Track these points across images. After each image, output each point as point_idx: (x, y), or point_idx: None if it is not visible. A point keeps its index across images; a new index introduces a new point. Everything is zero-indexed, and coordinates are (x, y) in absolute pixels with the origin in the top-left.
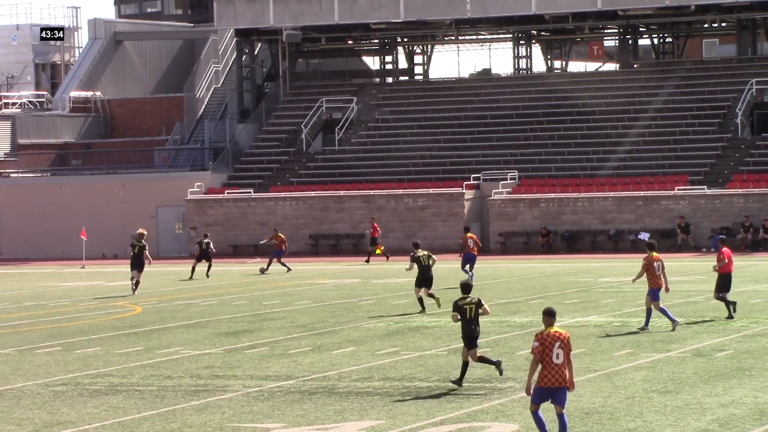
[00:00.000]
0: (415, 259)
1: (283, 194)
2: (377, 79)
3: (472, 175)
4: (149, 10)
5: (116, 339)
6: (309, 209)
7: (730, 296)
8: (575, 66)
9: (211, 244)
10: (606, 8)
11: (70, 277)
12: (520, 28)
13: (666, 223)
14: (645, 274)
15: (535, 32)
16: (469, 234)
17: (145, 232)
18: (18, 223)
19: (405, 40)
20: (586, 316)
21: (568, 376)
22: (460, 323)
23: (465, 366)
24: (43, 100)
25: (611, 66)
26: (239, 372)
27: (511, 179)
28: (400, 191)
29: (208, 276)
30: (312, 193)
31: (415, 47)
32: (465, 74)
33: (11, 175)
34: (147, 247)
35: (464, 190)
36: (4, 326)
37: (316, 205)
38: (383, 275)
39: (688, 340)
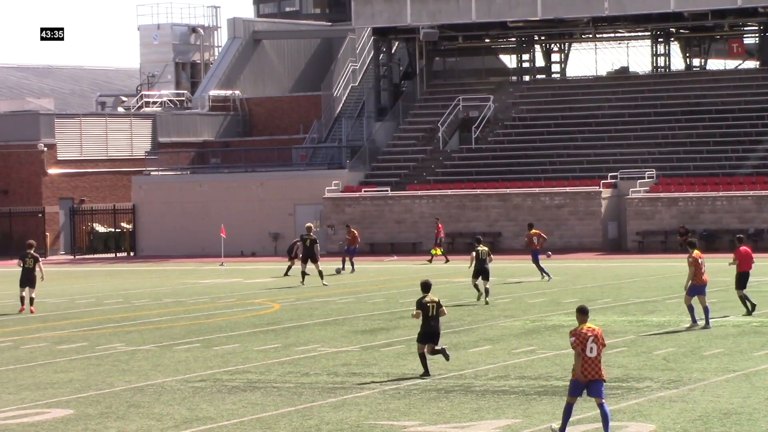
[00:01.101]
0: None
1: (419, 192)
2: (514, 78)
3: (610, 174)
4: (287, 9)
5: (254, 336)
6: (445, 207)
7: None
8: (714, 64)
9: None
10: (746, 5)
11: (209, 274)
12: (659, 26)
13: None
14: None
15: (673, 30)
16: (533, 231)
17: (313, 226)
18: (158, 221)
19: (542, 38)
20: (725, 315)
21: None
22: (420, 319)
23: (423, 357)
24: (183, 98)
25: (751, 64)
26: (376, 369)
27: (648, 178)
28: (537, 190)
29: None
30: (448, 192)
31: (552, 45)
32: (602, 72)
33: (152, 173)
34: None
35: (601, 189)
36: (144, 323)
37: (452, 204)
38: (519, 274)
39: None
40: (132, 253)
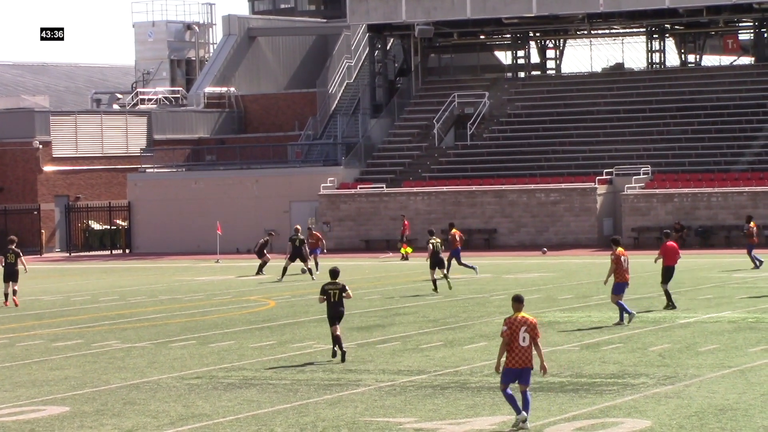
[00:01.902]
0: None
1: (415, 189)
2: (509, 74)
3: (605, 170)
4: (282, 6)
5: (250, 333)
6: (441, 204)
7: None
8: (709, 60)
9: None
10: (741, 1)
11: (205, 272)
12: (654, 22)
13: None
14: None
15: (668, 26)
16: (454, 230)
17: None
18: (153, 218)
19: (537, 34)
20: (720, 311)
21: (540, 361)
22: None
23: (335, 339)
24: (178, 95)
25: (746, 60)
26: (371, 366)
27: (644, 174)
28: (532, 186)
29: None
30: (444, 188)
31: (547, 42)
32: (597, 69)
33: (147, 170)
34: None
35: (597, 185)
36: (140, 320)
37: (448, 200)
38: (515, 270)
39: None
40: (127, 251)
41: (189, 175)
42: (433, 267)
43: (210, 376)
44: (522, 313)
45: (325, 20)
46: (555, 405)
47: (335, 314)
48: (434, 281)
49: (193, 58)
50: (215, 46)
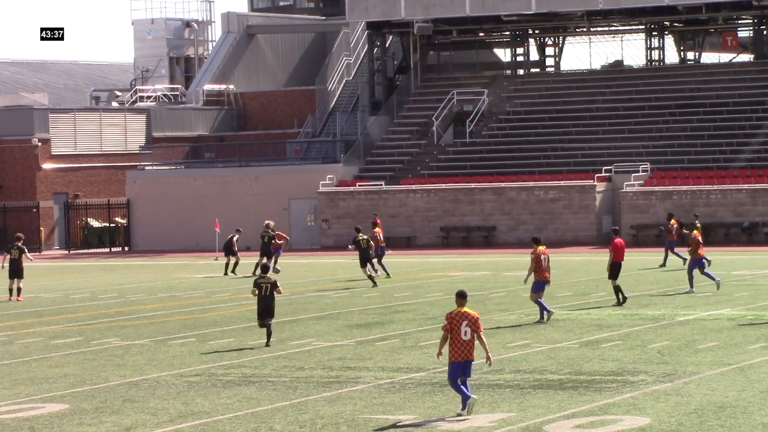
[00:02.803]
0: (355, 242)
1: (414, 186)
2: (508, 71)
3: (604, 168)
4: (281, 3)
5: (249, 330)
6: (440, 201)
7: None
8: (708, 57)
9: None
10: None
11: (204, 269)
12: (653, 20)
13: None
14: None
15: (667, 23)
16: (377, 229)
17: (272, 223)
18: (152, 216)
19: (536, 31)
20: (719, 309)
21: (485, 353)
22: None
23: (269, 331)
24: (177, 93)
25: (745, 57)
26: (371, 364)
27: (643, 171)
28: (531, 183)
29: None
30: (443, 186)
31: (546, 39)
32: (597, 66)
33: (146, 167)
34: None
35: (596, 183)
36: (139, 317)
37: (447, 198)
38: (514, 268)
39: None
40: (126, 248)
41: (188, 173)
42: (363, 264)
43: (209, 374)
44: (464, 308)
45: (324, 17)
46: (554, 402)
47: (265, 308)
48: (370, 277)
49: (192, 56)
50: (214, 43)
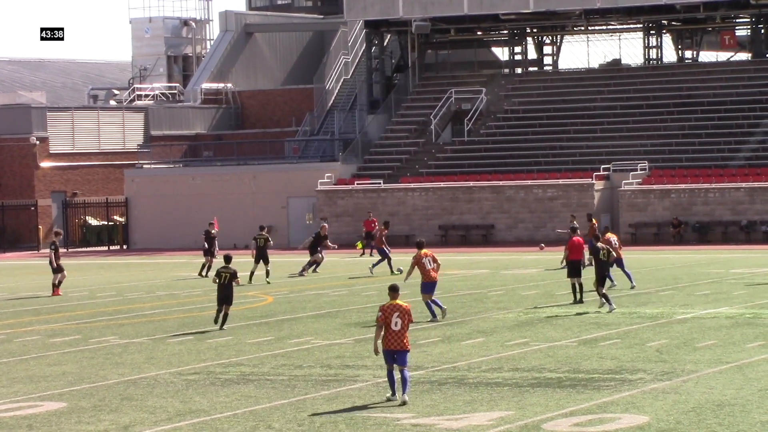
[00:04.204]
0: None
1: (412, 185)
2: (506, 70)
3: (602, 166)
4: (279, 2)
5: (247, 329)
6: (438, 200)
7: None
8: (706, 56)
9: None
10: None
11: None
12: (651, 18)
13: None
14: (417, 270)
15: (665, 22)
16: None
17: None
18: (150, 214)
19: (534, 30)
20: (718, 307)
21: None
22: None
23: (225, 316)
24: (175, 91)
25: (743, 56)
26: (369, 362)
27: (641, 170)
28: (530, 182)
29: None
30: (441, 184)
31: (544, 38)
32: (595, 65)
33: (144, 166)
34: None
35: (594, 181)
36: (137, 315)
37: (445, 196)
38: (513, 266)
39: None
40: (125, 246)
41: (186, 171)
42: (257, 261)
43: (207, 372)
44: (397, 301)
45: (322, 16)
46: (552, 400)
47: (223, 296)
48: (252, 273)
49: (190, 54)
50: (212, 42)
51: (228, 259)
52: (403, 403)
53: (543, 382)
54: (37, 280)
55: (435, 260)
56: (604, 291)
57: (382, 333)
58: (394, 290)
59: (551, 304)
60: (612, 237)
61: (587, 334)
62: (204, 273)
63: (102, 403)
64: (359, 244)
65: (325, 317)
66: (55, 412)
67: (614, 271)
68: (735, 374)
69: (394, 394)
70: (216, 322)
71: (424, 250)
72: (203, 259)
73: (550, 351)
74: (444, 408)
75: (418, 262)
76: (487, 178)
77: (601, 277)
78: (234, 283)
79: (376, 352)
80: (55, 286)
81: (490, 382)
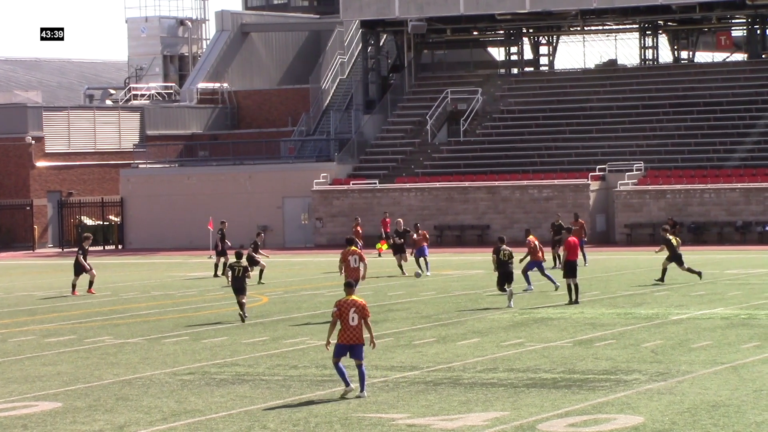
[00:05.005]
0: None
1: (408, 185)
2: (502, 70)
3: (598, 167)
4: (275, 1)
5: (243, 329)
6: (434, 200)
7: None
8: (702, 56)
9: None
10: None
11: (197, 267)
12: (647, 19)
13: None
14: (344, 268)
15: (661, 22)
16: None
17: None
18: (146, 214)
19: (530, 30)
20: (713, 308)
21: (369, 337)
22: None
23: (241, 305)
24: (171, 91)
25: (739, 56)
26: (364, 362)
27: (637, 170)
28: (525, 182)
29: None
30: (437, 184)
31: (540, 38)
32: (590, 65)
33: (140, 166)
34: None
35: (590, 182)
36: (132, 315)
37: (440, 196)
38: None
39: None
40: (120, 246)
41: (182, 171)
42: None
43: (203, 372)
44: (353, 297)
45: (318, 16)
46: (548, 401)
47: (238, 286)
48: (216, 266)
49: (186, 54)
50: (208, 41)
51: (239, 255)
52: (358, 397)
53: (538, 383)
54: (32, 280)
55: (359, 259)
56: (509, 288)
57: (337, 328)
58: (349, 286)
59: (546, 305)
60: (534, 240)
61: (582, 334)
62: (219, 273)
63: (97, 403)
64: (383, 245)
65: (320, 317)
66: (50, 412)
67: (533, 274)
68: (730, 375)
69: (348, 384)
70: (243, 320)
71: (352, 247)
72: (215, 259)
73: (545, 351)
74: (439, 408)
75: (345, 259)
76: (483, 178)
77: (502, 275)
78: (246, 276)
79: (328, 347)
80: (90, 285)
81: (486, 382)
